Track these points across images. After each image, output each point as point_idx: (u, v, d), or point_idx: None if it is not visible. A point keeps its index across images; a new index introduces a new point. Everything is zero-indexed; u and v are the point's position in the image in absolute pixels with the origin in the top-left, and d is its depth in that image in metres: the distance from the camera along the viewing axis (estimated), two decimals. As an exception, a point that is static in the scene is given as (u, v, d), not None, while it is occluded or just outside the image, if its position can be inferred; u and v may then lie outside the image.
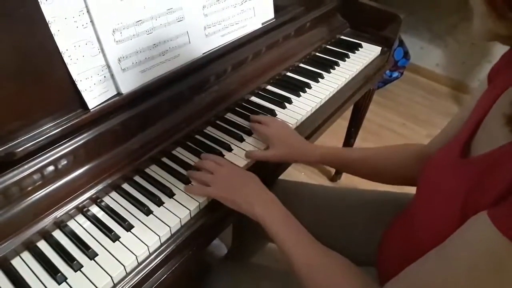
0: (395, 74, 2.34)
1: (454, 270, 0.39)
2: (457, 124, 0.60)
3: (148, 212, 0.65)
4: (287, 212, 0.60)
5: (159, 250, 0.62)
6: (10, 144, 0.56)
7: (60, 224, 0.63)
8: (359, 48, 1.22)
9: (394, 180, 0.75)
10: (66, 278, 0.55)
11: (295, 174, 1.74)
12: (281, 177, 0.90)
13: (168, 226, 0.63)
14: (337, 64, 1.13)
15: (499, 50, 2.16)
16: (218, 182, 0.66)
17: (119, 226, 0.63)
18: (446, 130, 0.66)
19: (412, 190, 0.65)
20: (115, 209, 0.66)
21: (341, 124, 1.45)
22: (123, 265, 0.57)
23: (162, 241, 0.62)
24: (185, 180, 0.71)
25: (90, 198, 0.66)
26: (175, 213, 0.65)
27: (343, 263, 0.53)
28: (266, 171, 0.79)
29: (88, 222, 0.64)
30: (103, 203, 0.67)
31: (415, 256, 0.45)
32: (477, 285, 0.38)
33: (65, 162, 0.63)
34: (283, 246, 0.56)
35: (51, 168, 0.61)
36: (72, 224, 0.64)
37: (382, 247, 0.69)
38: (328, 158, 0.77)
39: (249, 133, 0.85)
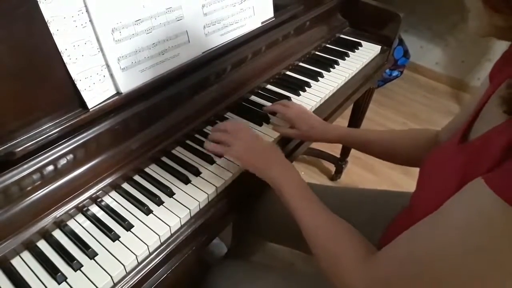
0: (395, 73, 2.35)
1: (447, 230, 0.40)
2: (465, 113, 0.62)
3: (148, 211, 0.65)
4: (303, 180, 0.64)
5: (159, 250, 0.62)
6: (10, 144, 0.56)
7: (60, 224, 0.63)
8: (359, 47, 1.22)
9: (406, 161, 0.80)
10: (66, 278, 0.55)
11: (295, 173, 1.74)
12: (281, 176, 0.90)
13: (168, 225, 0.63)
14: (337, 63, 1.13)
15: (499, 48, 2.16)
16: (239, 144, 0.68)
17: (119, 226, 0.63)
18: (456, 118, 0.69)
19: (412, 189, 0.66)
20: (115, 208, 0.66)
21: (341, 123, 1.44)
22: (123, 265, 0.57)
23: (162, 241, 0.62)
24: (185, 180, 0.71)
25: (90, 197, 0.66)
26: (174, 213, 0.65)
27: (349, 228, 0.56)
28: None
29: (88, 222, 0.64)
30: (103, 203, 0.67)
31: None
32: (469, 243, 0.38)
33: (65, 161, 0.63)
34: (295, 209, 0.60)
35: (50, 167, 0.61)
36: (72, 223, 0.64)
37: (383, 245, 0.69)
38: (346, 139, 0.84)
39: (249, 132, 0.85)
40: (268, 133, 0.85)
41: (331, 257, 0.54)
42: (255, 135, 0.72)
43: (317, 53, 1.18)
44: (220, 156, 0.75)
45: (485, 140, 0.44)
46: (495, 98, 0.49)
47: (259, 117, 0.89)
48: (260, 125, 0.87)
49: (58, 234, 0.62)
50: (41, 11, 0.54)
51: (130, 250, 0.59)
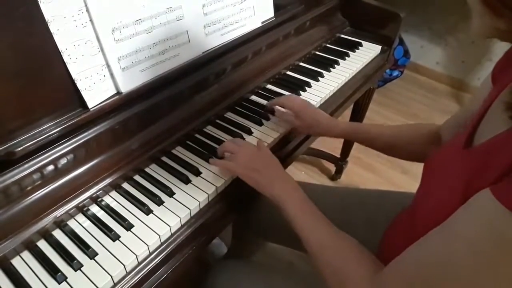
0: (395, 73, 2.34)
1: (455, 244, 0.40)
2: (467, 112, 0.62)
3: (148, 211, 0.65)
4: (305, 196, 0.63)
5: (159, 250, 0.62)
6: (10, 144, 0.56)
7: (60, 224, 0.63)
8: (359, 47, 1.22)
9: (407, 155, 0.80)
10: (66, 278, 0.55)
11: (295, 173, 1.74)
12: (281, 176, 0.90)
13: (168, 225, 0.63)
14: (337, 63, 1.13)
15: (499, 48, 2.16)
16: (241, 161, 0.68)
17: (119, 226, 0.63)
18: (458, 115, 0.69)
19: (412, 189, 0.66)
20: (115, 208, 0.66)
21: (341, 123, 1.46)
22: (123, 265, 0.57)
23: (162, 241, 0.62)
24: (185, 179, 0.71)
25: (90, 197, 0.66)
26: (175, 212, 0.65)
27: (355, 245, 0.56)
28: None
29: (88, 222, 0.64)
30: (103, 203, 0.67)
31: None
32: (478, 257, 0.38)
33: (65, 161, 0.63)
34: (299, 227, 0.59)
35: (51, 167, 0.61)
36: (72, 223, 0.64)
37: (383, 246, 0.69)
38: (349, 133, 0.84)
39: (249, 132, 0.85)
40: (268, 133, 0.85)
41: (338, 274, 0.53)
42: (255, 150, 0.70)
43: (317, 53, 1.18)
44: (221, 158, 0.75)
45: (490, 147, 0.43)
46: (498, 102, 0.48)
47: (259, 116, 0.89)
48: (260, 125, 0.87)
49: (58, 234, 0.62)
50: (41, 11, 0.54)
51: (130, 250, 0.59)
